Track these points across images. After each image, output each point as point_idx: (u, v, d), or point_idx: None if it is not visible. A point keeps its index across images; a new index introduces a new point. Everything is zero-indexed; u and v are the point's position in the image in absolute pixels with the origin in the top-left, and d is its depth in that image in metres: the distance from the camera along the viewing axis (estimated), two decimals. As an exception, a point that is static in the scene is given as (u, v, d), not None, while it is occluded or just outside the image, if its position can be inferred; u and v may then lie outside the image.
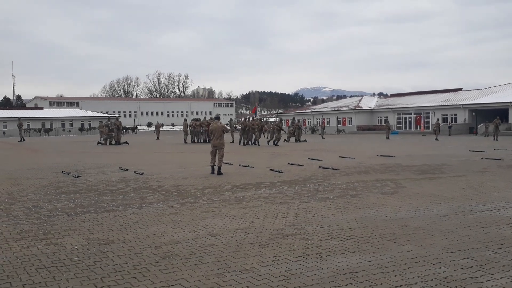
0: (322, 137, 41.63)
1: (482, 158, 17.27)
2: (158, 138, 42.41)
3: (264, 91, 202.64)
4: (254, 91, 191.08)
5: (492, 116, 38.02)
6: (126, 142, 32.61)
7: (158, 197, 9.34)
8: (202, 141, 34.45)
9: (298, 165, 15.49)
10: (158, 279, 4.50)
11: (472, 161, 16.15)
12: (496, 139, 31.98)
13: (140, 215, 7.56)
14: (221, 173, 13.08)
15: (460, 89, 61.45)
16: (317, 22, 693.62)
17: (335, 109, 67.71)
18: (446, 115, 53.20)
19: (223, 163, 13.68)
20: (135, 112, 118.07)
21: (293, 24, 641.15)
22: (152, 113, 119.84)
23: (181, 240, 5.95)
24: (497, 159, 16.49)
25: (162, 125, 54.47)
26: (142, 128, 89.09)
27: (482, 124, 45.13)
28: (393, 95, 73.49)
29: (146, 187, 10.88)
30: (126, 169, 14.65)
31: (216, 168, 13.26)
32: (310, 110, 74.56)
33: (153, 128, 64.85)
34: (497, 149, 22.63)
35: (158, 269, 4.81)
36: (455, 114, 52.24)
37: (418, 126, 55.42)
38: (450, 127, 47.52)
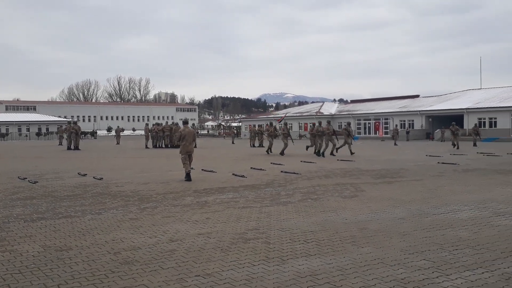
0: None
1: (438, 162, 17.78)
2: (118, 143, 41.73)
3: (227, 96, 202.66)
4: (217, 96, 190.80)
5: (448, 122, 39.16)
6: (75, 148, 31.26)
7: (118, 203, 9.18)
8: (163, 146, 34.17)
9: (261, 169, 15.54)
10: (117, 285, 4.41)
11: (429, 166, 16.59)
12: (457, 147, 30.21)
13: (99, 221, 7.40)
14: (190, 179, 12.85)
15: (418, 96, 63.22)
16: (280, 29, 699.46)
17: (297, 114, 68.40)
18: (404, 121, 54.57)
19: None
20: (94, 116, 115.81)
21: (256, 31, 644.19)
22: (112, 118, 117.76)
23: (141, 245, 5.86)
24: (452, 164, 17.01)
25: (123, 130, 53.46)
26: (102, 133, 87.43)
27: (438, 130, 46.53)
28: (353, 101, 74.90)
29: (106, 192, 10.68)
30: (85, 175, 14.34)
31: (186, 173, 12.86)
32: (272, 116, 75.00)
33: (113, 132, 63.50)
34: (452, 154, 23.34)
35: (118, 275, 4.72)
36: (413, 120, 53.68)
37: (377, 131, 56.60)
38: (407, 132, 48.74)
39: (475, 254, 5.27)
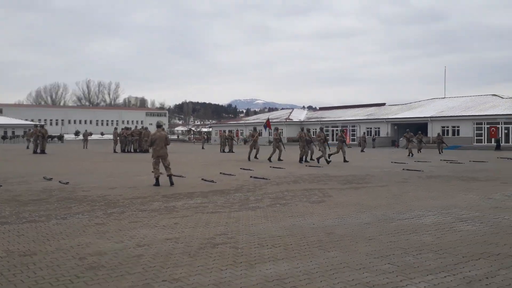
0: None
1: (403, 169, 18.14)
2: (85, 147, 41.01)
3: (197, 102, 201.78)
4: (187, 101, 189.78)
5: (413, 130, 39.90)
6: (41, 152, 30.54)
7: (84, 207, 9.04)
8: (132, 150, 33.83)
9: (230, 175, 15.55)
10: (83, 291, 4.36)
11: (394, 172, 16.92)
12: (411, 155, 31.65)
13: (64, 226, 7.28)
14: (173, 183, 12.63)
15: (384, 104, 64.37)
16: (251, 35, 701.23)
17: (267, 120, 68.64)
18: (371, 128, 55.47)
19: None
20: (62, 120, 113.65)
21: (227, 37, 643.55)
22: (80, 122, 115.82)
23: (107, 251, 5.80)
24: (417, 170, 17.38)
25: (91, 134, 52.39)
26: (69, 136, 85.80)
27: (403, 137, 47.40)
28: (321, 109, 75.76)
29: (71, 197, 10.50)
30: (51, 179, 14.06)
31: (168, 178, 12.70)
32: (243, 121, 75.14)
33: (81, 136, 62.16)
34: (417, 160, 23.85)
35: (83, 280, 4.66)
36: (379, 128, 54.62)
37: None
38: (374, 140, 49.57)
39: (438, 259, 5.42)
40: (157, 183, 12.57)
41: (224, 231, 6.90)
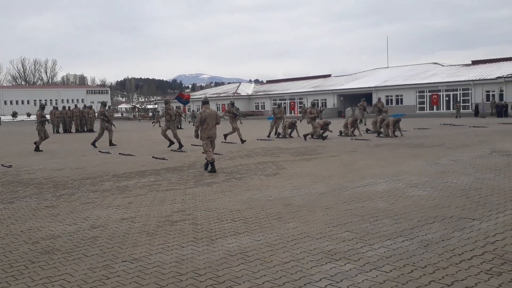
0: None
1: (351, 139, 18.51)
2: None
3: (140, 78, 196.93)
4: (130, 77, 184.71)
5: (358, 100, 40.40)
6: None
7: (31, 191, 8.67)
8: (74, 130, 33.20)
9: (182, 151, 15.33)
10: (39, 276, 4.17)
11: (343, 142, 17.23)
12: (364, 124, 32.00)
13: (12, 210, 6.95)
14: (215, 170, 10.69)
15: (329, 75, 65.22)
16: (190, 8, 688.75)
17: (215, 95, 68.10)
18: (317, 100, 56.16)
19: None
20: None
21: (166, 9, 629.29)
22: (17, 102, 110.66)
23: (60, 234, 5.58)
24: (365, 140, 17.77)
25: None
26: (6, 118, 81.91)
27: (349, 108, 48.35)
28: (268, 82, 75.80)
29: (16, 180, 10.04)
30: (-9, 162, 13.37)
31: (210, 163, 10.84)
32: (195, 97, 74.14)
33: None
34: (364, 131, 24.36)
35: (38, 265, 4.46)
36: (325, 99, 55.42)
37: (293, 111, 57.82)
38: (321, 111, 50.27)
39: (394, 224, 5.55)
40: (212, 169, 10.63)
41: (182, 208, 6.80)
